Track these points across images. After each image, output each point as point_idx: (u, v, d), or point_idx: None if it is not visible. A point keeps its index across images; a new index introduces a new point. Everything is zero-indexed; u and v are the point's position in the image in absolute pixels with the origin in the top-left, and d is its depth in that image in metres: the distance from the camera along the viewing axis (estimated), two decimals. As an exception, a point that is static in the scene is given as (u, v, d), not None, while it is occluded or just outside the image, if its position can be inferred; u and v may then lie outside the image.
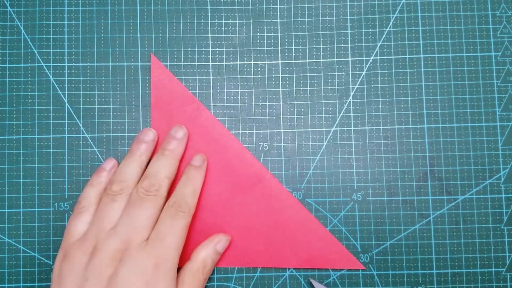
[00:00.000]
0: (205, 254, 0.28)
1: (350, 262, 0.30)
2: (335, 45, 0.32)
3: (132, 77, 0.32)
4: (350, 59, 0.32)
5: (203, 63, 0.32)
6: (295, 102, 0.32)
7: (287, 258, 0.30)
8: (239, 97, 0.32)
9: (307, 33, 0.32)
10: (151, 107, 0.31)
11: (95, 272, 0.25)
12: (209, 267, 0.28)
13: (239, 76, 0.32)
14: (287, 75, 0.32)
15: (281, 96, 0.32)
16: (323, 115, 0.32)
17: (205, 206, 0.30)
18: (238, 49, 0.32)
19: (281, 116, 0.32)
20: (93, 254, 0.25)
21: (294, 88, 0.32)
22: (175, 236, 0.26)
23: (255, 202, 0.30)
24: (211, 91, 0.32)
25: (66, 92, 0.32)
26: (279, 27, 0.32)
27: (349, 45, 0.32)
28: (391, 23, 0.32)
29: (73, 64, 0.32)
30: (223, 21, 0.32)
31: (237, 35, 0.32)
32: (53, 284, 0.26)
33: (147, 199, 0.27)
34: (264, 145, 0.31)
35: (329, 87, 0.32)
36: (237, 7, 0.32)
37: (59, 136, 0.31)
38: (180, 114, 0.31)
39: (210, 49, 0.32)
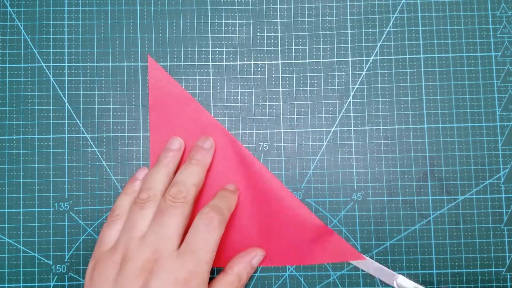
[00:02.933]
0: (241, 268, 0.28)
1: (352, 255, 0.30)
2: (335, 45, 0.32)
3: (132, 77, 0.32)
4: (350, 59, 0.32)
5: (203, 63, 0.32)
6: (295, 102, 0.32)
7: (289, 256, 0.30)
8: (239, 97, 0.32)
9: (307, 33, 0.32)
10: (149, 108, 0.31)
11: (125, 283, 0.24)
12: (244, 281, 0.28)
13: (239, 76, 0.32)
14: (287, 75, 0.32)
15: (281, 96, 0.32)
16: (323, 115, 0.32)
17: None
18: (238, 49, 0.32)
19: (281, 116, 0.32)
20: (123, 264, 0.25)
21: (294, 88, 0.32)
22: (207, 251, 0.26)
23: (255, 201, 0.30)
24: (211, 91, 0.32)
25: (66, 92, 0.32)
26: (279, 27, 0.32)
27: (349, 45, 0.32)
28: (391, 23, 0.32)
29: (73, 64, 0.32)
30: (223, 21, 0.32)
31: (237, 35, 0.32)
32: None
33: (175, 206, 0.26)
34: (264, 145, 0.31)
35: (329, 87, 0.32)
36: (237, 7, 0.32)
37: (59, 136, 0.31)
38: (179, 115, 0.31)
39: (210, 49, 0.32)
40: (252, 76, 0.32)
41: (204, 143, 0.30)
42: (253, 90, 0.32)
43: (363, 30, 0.32)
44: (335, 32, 0.32)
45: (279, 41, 0.32)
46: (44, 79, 0.32)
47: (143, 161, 0.31)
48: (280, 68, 0.32)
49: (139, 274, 0.24)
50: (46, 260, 0.31)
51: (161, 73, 0.32)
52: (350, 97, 0.32)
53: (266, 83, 0.32)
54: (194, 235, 0.26)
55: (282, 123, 0.32)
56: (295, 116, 0.32)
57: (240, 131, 0.32)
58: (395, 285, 0.29)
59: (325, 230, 0.30)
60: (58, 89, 0.32)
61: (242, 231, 0.30)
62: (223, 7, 0.32)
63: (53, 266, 0.31)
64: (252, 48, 0.32)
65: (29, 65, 0.32)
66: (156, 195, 0.28)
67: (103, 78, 0.32)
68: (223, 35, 0.32)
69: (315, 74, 0.32)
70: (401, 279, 0.30)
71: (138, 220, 0.27)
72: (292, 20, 0.32)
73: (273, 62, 0.32)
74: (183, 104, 0.31)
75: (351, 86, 0.32)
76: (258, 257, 0.29)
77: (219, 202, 0.28)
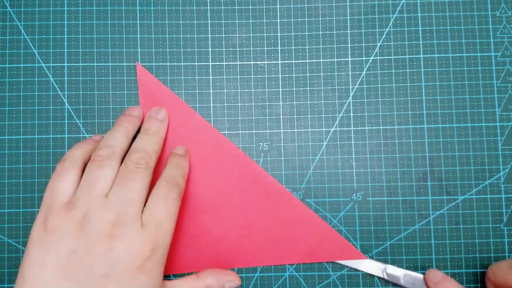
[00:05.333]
0: (213, 283, 0.28)
1: (352, 253, 0.30)
2: (335, 45, 0.32)
3: (132, 77, 0.32)
4: (350, 59, 0.32)
5: (203, 63, 0.32)
6: (295, 102, 0.32)
7: (288, 255, 0.30)
8: (239, 97, 0.32)
9: (307, 33, 0.32)
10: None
11: (85, 245, 0.23)
12: None
13: (239, 76, 0.32)
14: (287, 75, 0.32)
15: (281, 96, 0.32)
16: (323, 115, 0.32)
17: (204, 209, 0.30)
18: (238, 49, 0.32)
19: (281, 116, 0.32)
20: (85, 225, 0.24)
21: (294, 88, 0.32)
22: (170, 221, 0.25)
23: (252, 201, 0.30)
24: (211, 91, 0.32)
25: (66, 92, 0.32)
26: (279, 27, 0.32)
27: (349, 45, 0.32)
28: (391, 23, 0.32)
29: (73, 64, 0.32)
30: (223, 21, 0.32)
31: (237, 35, 0.32)
32: (31, 248, 0.24)
33: (138, 172, 0.26)
34: (264, 145, 0.31)
35: (329, 87, 0.32)
36: (237, 7, 0.32)
37: (59, 136, 0.31)
38: (171, 120, 0.31)
39: (210, 49, 0.32)
40: (252, 76, 0.32)
41: (157, 114, 0.30)
42: (253, 90, 0.32)
43: (363, 30, 0.32)
44: (335, 32, 0.32)
45: (279, 41, 0.32)
46: (44, 79, 0.32)
47: (143, 161, 0.31)
48: (280, 68, 0.32)
49: (102, 238, 0.23)
50: (46, 260, 0.31)
51: (150, 79, 0.31)
52: (350, 97, 0.32)
53: (266, 83, 0.32)
54: (155, 207, 0.25)
55: (282, 123, 0.32)
56: (295, 116, 0.32)
57: (240, 131, 0.32)
58: (384, 275, 0.29)
59: (324, 227, 0.30)
60: (58, 89, 0.32)
61: (230, 229, 0.30)
62: (223, 7, 0.32)
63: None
64: (252, 48, 0.32)
65: (29, 65, 0.32)
66: (115, 153, 0.27)
67: (103, 78, 0.32)
68: (223, 35, 0.32)
69: (315, 74, 0.32)
70: (390, 269, 0.30)
71: (98, 178, 0.25)
72: (292, 20, 0.32)
73: (273, 62, 0.32)
74: (174, 109, 0.31)
75: (351, 86, 0.32)
76: (233, 284, 0.29)
77: (173, 172, 0.28)
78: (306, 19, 0.32)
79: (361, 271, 0.30)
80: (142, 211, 0.25)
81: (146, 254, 0.24)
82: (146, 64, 0.32)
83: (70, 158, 0.27)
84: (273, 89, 0.32)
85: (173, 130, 0.31)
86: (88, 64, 0.32)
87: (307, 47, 0.32)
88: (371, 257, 0.31)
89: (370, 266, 0.30)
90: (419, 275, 0.29)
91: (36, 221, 0.25)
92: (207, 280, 0.28)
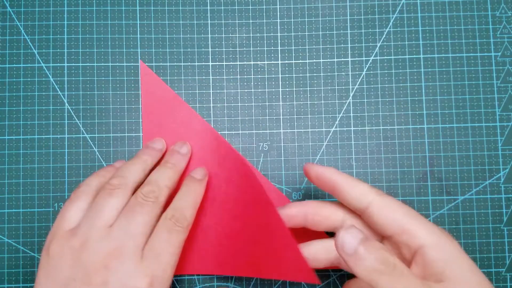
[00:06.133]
0: None
1: (306, 275, 0.25)
2: (335, 45, 0.32)
3: (132, 77, 0.32)
4: (350, 59, 0.32)
5: (203, 64, 0.32)
6: (295, 102, 0.32)
7: (256, 268, 0.28)
8: (239, 97, 0.32)
9: (307, 33, 0.32)
10: (142, 115, 0.31)
11: (83, 273, 0.23)
12: None
13: (239, 77, 0.32)
14: (287, 75, 0.32)
15: (280, 96, 0.32)
16: (323, 115, 0.32)
17: (202, 212, 0.30)
18: (238, 49, 0.32)
19: (281, 116, 0.32)
20: (81, 253, 0.24)
21: (294, 88, 0.32)
22: (171, 253, 0.25)
23: (247, 206, 0.29)
24: (211, 91, 0.32)
25: (66, 93, 0.32)
26: (279, 27, 0.32)
27: (349, 45, 0.32)
28: (391, 23, 0.32)
29: (73, 64, 0.32)
30: (223, 21, 0.32)
31: (237, 35, 0.32)
32: (38, 272, 0.25)
33: (145, 205, 0.26)
34: (264, 145, 0.31)
35: (329, 87, 0.32)
36: (237, 7, 0.32)
37: (58, 136, 0.31)
38: (171, 120, 0.31)
39: (210, 50, 0.32)
40: (252, 76, 0.32)
41: (181, 148, 0.30)
42: (253, 90, 0.32)
43: (363, 30, 0.32)
44: (335, 32, 0.32)
45: (279, 41, 0.32)
46: (44, 79, 0.32)
47: (143, 161, 0.31)
48: (280, 68, 0.32)
49: (98, 268, 0.23)
50: (46, 260, 0.31)
51: (153, 79, 0.31)
52: (350, 97, 0.32)
53: (266, 83, 0.32)
54: (157, 239, 0.25)
55: (282, 123, 0.32)
56: (295, 116, 0.32)
57: (240, 131, 0.32)
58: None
59: (287, 241, 0.26)
60: (58, 89, 0.32)
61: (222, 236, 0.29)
62: (222, 7, 0.32)
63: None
64: (252, 48, 0.32)
65: (29, 65, 0.32)
66: (127, 184, 0.27)
67: (103, 78, 0.32)
68: (223, 35, 0.32)
69: (315, 74, 0.32)
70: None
71: (104, 207, 0.25)
72: (292, 20, 0.32)
73: (272, 62, 0.32)
74: (176, 109, 0.31)
75: (351, 86, 0.32)
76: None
77: (183, 202, 0.27)
78: (306, 19, 0.32)
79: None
80: (146, 243, 0.25)
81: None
82: (146, 64, 0.32)
83: (85, 186, 0.27)
84: (273, 89, 0.32)
85: (174, 131, 0.31)
86: (88, 64, 0.32)
87: (307, 47, 0.32)
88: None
89: None
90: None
91: (44, 245, 0.25)
92: None
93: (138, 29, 0.32)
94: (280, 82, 0.32)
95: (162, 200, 0.27)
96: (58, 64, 0.32)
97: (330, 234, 0.28)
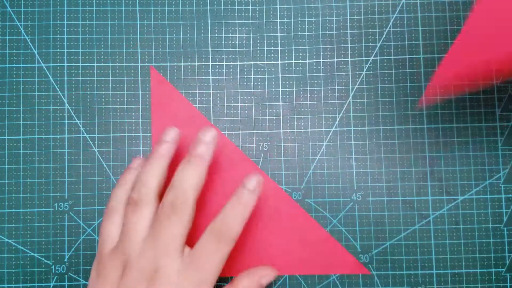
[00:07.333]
0: (249, 283, 0.27)
1: (354, 267, 0.30)
2: (335, 45, 0.32)
3: (132, 77, 0.32)
4: (350, 59, 0.32)
5: (203, 64, 0.32)
6: (294, 102, 0.32)
7: (284, 264, 0.30)
8: (239, 97, 0.32)
9: (307, 33, 0.32)
10: (151, 122, 0.31)
11: None
12: None
13: (239, 76, 0.32)
14: (287, 75, 0.32)
15: (280, 96, 0.32)
16: (323, 115, 0.32)
17: (208, 214, 0.30)
18: (238, 49, 0.32)
19: (281, 116, 0.32)
20: (125, 272, 0.25)
21: (294, 88, 0.32)
22: (214, 269, 0.25)
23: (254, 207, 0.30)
24: (211, 91, 0.32)
25: (66, 93, 0.32)
26: (279, 27, 0.32)
27: (349, 45, 0.32)
28: (391, 23, 0.32)
29: (73, 64, 0.32)
30: (223, 21, 0.32)
31: (237, 35, 0.32)
32: None
33: (173, 215, 0.25)
34: (264, 145, 0.31)
35: (329, 87, 0.32)
36: (237, 7, 0.32)
37: (58, 136, 0.31)
38: (183, 129, 0.31)
39: (209, 50, 0.32)
40: (252, 76, 0.32)
41: (204, 135, 0.28)
42: (252, 90, 0.32)
43: (363, 30, 0.32)
44: (335, 32, 0.32)
45: (279, 41, 0.32)
46: (43, 79, 0.32)
47: (143, 161, 0.31)
48: (279, 68, 0.32)
49: (141, 283, 0.24)
50: (46, 261, 0.31)
51: (165, 86, 0.31)
52: (350, 97, 0.32)
53: (266, 83, 0.32)
54: (201, 252, 0.25)
55: (282, 123, 0.32)
56: (295, 116, 0.32)
57: (240, 131, 0.32)
58: None
59: (325, 236, 0.30)
60: (58, 89, 0.32)
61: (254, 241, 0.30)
62: (222, 7, 0.32)
63: (53, 267, 0.31)
64: (251, 48, 0.32)
65: (29, 65, 0.32)
66: (148, 194, 0.26)
67: (103, 78, 0.32)
68: (223, 35, 0.32)
69: (314, 74, 0.32)
70: None
71: (134, 224, 0.26)
72: (292, 20, 0.32)
73: (272, 62, 0.32)
74: (188, 118, 0.31)
75: (351, 86, 0.32)
76: (269, 277, 0.28)
77: (230, 219, 0.26)
78: (306, 19, 0.32)
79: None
80: (183, 250, 0.25)
81: None
82: (146, 64, 0.32)
83: (114, 200, 0.27)
84: (273, 89, 0.32)
85: (185, 140, 0.30)
86: (88, 64, 0.32)
87: (307, 47, 0.32)
88: (371, 257, 0.31)
89: None
90: None
91: (92, 267, 0.26)
92: (243, 283, 0.27)
93: (138, 29, 0.32)
94: (280, 82, 0.32)
95: (191, 203, 0.26)
96: (58, 64, 0.32)
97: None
